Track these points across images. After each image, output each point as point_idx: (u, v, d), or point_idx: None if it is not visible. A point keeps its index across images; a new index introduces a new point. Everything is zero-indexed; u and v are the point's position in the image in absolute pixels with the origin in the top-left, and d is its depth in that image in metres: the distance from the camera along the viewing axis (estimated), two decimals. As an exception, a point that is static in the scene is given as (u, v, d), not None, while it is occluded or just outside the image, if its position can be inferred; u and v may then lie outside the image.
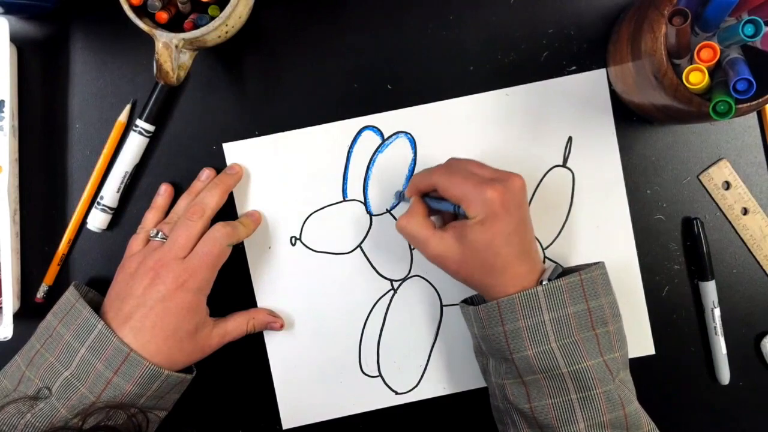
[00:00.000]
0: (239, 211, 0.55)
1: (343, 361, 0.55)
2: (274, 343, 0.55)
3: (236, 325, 0.52)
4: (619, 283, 0.54)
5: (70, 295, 0.49)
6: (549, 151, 0.54)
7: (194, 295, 0.48)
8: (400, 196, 0.54)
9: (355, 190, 0.55)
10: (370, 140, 0.54)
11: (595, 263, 0.48)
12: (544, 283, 0.46)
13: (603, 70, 0.53)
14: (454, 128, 0.54)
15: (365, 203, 0.55)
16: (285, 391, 0.55)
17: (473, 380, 0.55)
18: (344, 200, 0.55)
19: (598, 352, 0.45)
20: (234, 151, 0.54)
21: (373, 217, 0.55)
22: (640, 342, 0.55)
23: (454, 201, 0.46)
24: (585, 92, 0.53)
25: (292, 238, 0.55)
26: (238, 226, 0.51)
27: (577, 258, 0.54)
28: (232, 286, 0.55)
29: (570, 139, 0.54)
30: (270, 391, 0.55)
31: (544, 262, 0.55)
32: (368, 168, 0.55)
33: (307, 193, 0.55)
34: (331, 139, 0.54)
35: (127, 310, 0.47)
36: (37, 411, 0.45)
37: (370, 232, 0.55)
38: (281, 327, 0.54)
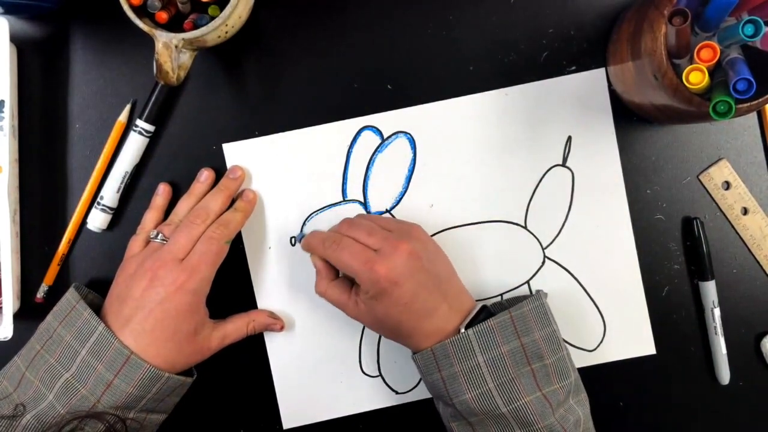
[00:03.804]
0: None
1: (343, 361, 0.55)
2: (274, 343, 0.55)
3: (236, 327, 0.52)
4: (619, 283, 0.54)
5: (71, 296, 0.49)
6: (548, 150, 0.54)
7: (193, 295, 0.48)
8: (299, 239, 0.54)
9: (354, 190, 0.55)
10: (369, 140, 0.54)
11: (532, 295, 0.49)
12: (463, 328, 0.46)
13: (602, 70, 0.53)
14: (453, 128, 0.54)
15: (365, 203, 0.55)
16: (285, 391, 0.55)
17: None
18: (344, 200, 0.55)
19: (536, 386, 0.45)
20: (234, 152, 0.54)
21: None
22: (641, 342, 0.55)
23: (347, 275, 0.48)
24: (584, 91, 0.53)
25: (292, 238, 0.55)
26: (233, 219, 0.51)
27: (577, 258, 0.54)
28: (232, 287, 0.55)
29: (569, 138, 0.54)
30: (270, 391, 0.55)
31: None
32: (368, 168, 0.55)
33: (307, 193, 0.55)
34: (330, 139, 0.54)
35: (127, 313, 0.47)
36: (38, 412, 0.45)
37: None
38: (281, 328, 0.54)
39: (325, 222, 0.55)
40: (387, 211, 0.55)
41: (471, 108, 0.54)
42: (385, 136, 0.54)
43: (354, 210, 0.55)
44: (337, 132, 0.54)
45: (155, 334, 0.47)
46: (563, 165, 0.54)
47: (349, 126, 0.54)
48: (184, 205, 0.53)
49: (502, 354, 0.45)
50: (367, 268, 0.46)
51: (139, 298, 0.47)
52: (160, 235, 0.51)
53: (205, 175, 0.54)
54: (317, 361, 0.55)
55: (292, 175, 0.55)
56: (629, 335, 0.55)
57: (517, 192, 0.54)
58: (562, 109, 0.54)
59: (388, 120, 0.54)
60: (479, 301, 0.53)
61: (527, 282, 0.55)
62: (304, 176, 0.55)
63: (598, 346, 0.55)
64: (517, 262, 0.55)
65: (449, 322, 0.47)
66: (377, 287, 0.46)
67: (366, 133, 0.54)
